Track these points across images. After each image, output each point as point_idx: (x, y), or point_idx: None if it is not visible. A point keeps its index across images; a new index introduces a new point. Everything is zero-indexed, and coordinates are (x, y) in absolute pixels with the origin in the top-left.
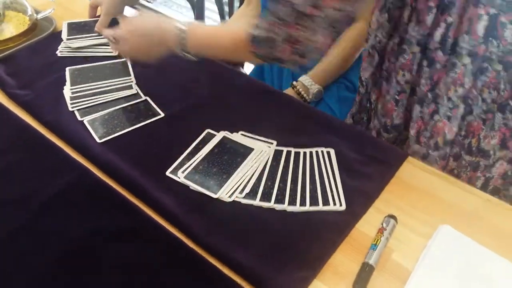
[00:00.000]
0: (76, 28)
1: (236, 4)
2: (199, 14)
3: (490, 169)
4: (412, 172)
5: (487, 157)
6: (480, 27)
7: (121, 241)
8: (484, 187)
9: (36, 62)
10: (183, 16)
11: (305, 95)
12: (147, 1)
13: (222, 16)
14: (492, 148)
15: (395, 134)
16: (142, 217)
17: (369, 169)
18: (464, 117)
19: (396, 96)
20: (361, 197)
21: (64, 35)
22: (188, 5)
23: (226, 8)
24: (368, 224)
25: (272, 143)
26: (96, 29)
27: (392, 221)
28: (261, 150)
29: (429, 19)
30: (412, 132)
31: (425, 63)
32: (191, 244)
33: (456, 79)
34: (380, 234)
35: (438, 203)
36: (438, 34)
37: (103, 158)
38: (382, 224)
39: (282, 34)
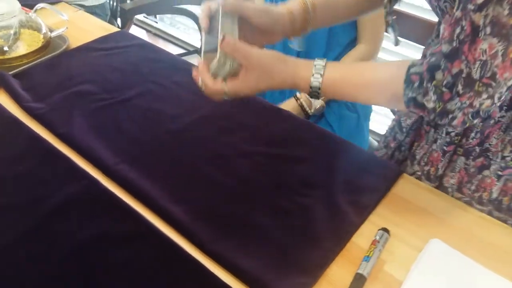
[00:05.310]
0: None
1: None
2: None
3: None
4: (408, 188)
5: None
6: None
7: (125, 247)
8: None
9: (50, 78)
10: (189, 36)
11: (307, 108)
12: (154, 21)
13: None
14: None
15: (437, 183)
16: (146, 225)
17: (365, 183)
18: None
19: (445, 147)
20: (357, 209)
21: None
22: (195, 26)
23: None
24: (362, 236)
25: None
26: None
27: (385, 234)
28: None
29: None
30: (453, 181)
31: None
32: (195, 251)
33: None
34: (373, 246)
35: (431, 219)
36: None
37: (113, 168)
38: (375, 237)
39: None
